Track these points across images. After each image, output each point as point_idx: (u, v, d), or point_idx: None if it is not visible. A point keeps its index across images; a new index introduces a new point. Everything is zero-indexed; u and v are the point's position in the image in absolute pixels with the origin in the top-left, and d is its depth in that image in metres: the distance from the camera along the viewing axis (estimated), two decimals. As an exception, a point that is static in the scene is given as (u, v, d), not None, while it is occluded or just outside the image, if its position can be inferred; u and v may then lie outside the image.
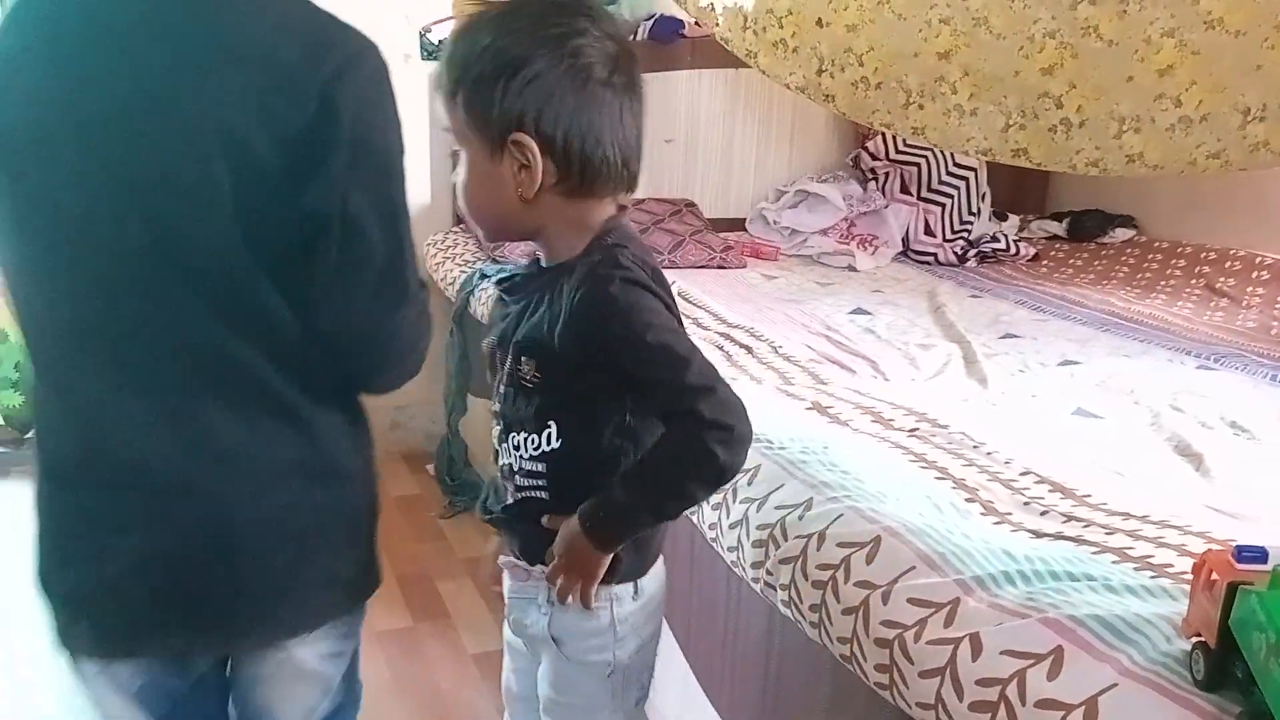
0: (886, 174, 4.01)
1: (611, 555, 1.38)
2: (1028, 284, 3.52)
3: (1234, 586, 1.10)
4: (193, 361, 1.26)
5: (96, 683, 1.42)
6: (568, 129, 1.30)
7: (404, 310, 1.34)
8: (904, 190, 3.97)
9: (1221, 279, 3.42)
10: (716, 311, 2.91)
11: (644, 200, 3.66)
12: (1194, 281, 3.48)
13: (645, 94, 1.38)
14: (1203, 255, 3.60)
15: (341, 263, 1.25)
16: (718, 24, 3.34)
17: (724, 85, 3.92)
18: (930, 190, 3.97)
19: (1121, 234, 4.00)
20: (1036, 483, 1.81)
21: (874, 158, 4.06)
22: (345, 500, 1.41)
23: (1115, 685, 1.18)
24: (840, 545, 1.55)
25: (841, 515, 1.60)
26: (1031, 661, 1.25)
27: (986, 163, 3.78)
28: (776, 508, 1.70)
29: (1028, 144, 2.99)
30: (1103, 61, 2.80)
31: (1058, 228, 4.16)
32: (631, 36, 3.72)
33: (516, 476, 1.44)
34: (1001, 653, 1.28)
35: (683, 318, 1.42)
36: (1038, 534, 1.62)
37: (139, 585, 1.31)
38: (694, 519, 1.90)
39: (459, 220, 3.83)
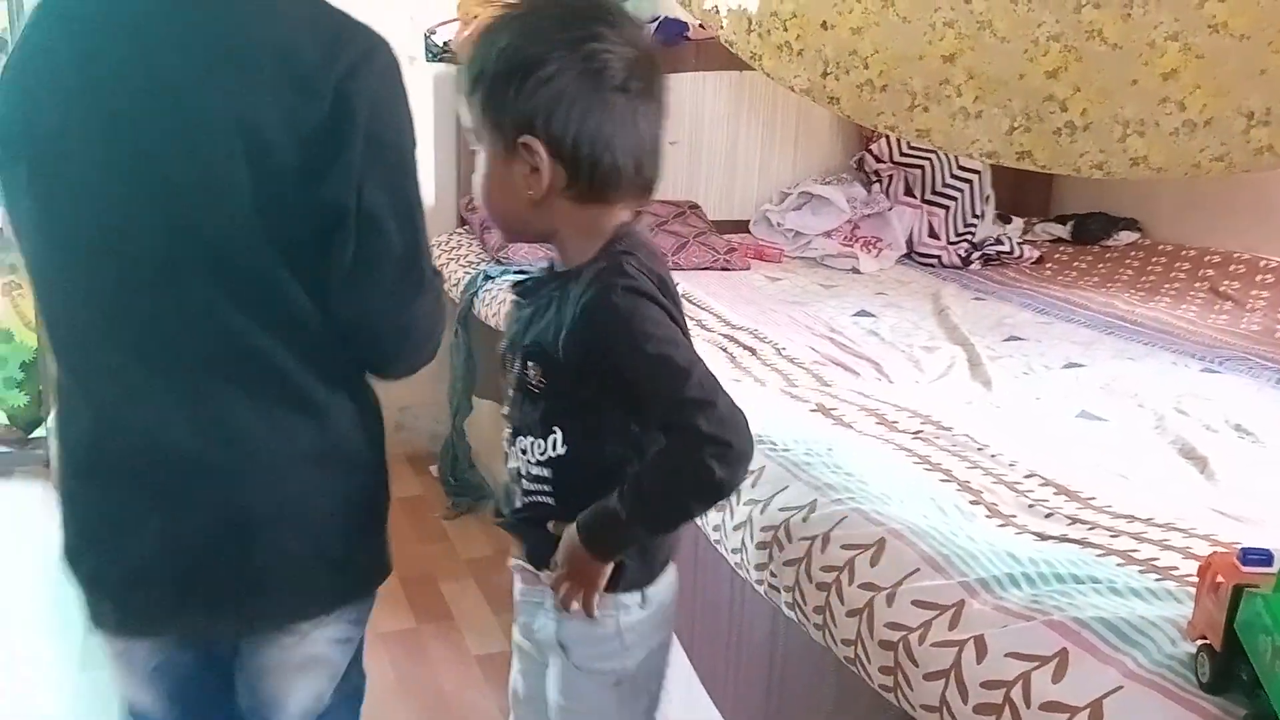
0: (890, 176, 4.01)
1: (612, 564, 1.37)
2: (1032, 287, 3.51)
3: (1239, 589, 1.10)
4: (211, 351, 1.30)
5: (118, 662, 1.50)
6: (577, 133, 1.29)
7: (421, 299, 1.38)
8: (908, 193, 3.97)
9: (1226, 282, 3.41)
10: (720, 313, 2.92)
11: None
12: (1198, 284, 3.48)
13: (666, 101, 1.37)
14: (1207, 258, 3.60)
15: (360, 254, 1.29)
16: (722, 26, 3.35)
17: (728, 88, 3.92)
18: (934, 193, 3.96)
19: (1126, 237, 4.00)
20: (1041, 485, 1.81)
21: (878, 160, 4.06)
22: (358, 489, 1.45)
23: (1120, 688, 1.18)
24: (844, 547, 1.55)
25: (846, 517, 1.60)
26: (1036, 664, 1.25)
27: (991, 165, 3.78)
28: (781, 510, 1.70)
29: (1032, 147, 2.99)
30: (1107, 65, 2.80)
31: (1062, 230, 4.16)
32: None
33: (524, 481, 1.44)
34: (1006, 655, 1.28)
35: (687, 322, 1.41)
36: (1042, 536, 1.62)
37: (159, 569, 1.35)
38: (698, 521, 1.90)
39: (463, 221, 3.84)
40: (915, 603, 1.42)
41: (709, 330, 2.75)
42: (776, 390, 2.30)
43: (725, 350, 2.59)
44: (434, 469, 3.77)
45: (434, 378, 3.66)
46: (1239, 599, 1.10)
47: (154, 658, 1.49)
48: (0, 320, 3.85)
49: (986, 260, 3.85)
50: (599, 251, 1.35)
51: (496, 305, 3.15)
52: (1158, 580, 1.44)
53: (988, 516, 1.69)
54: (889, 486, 1.71)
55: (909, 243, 3.89)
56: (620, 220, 1.38)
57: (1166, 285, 3.52)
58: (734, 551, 1.79)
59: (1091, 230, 4.07)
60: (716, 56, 3.71)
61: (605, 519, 1.33)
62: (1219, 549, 1.40)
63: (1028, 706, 1.22)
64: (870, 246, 3.81)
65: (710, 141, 3.98)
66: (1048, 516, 1.69)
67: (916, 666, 1.37)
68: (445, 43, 3.79)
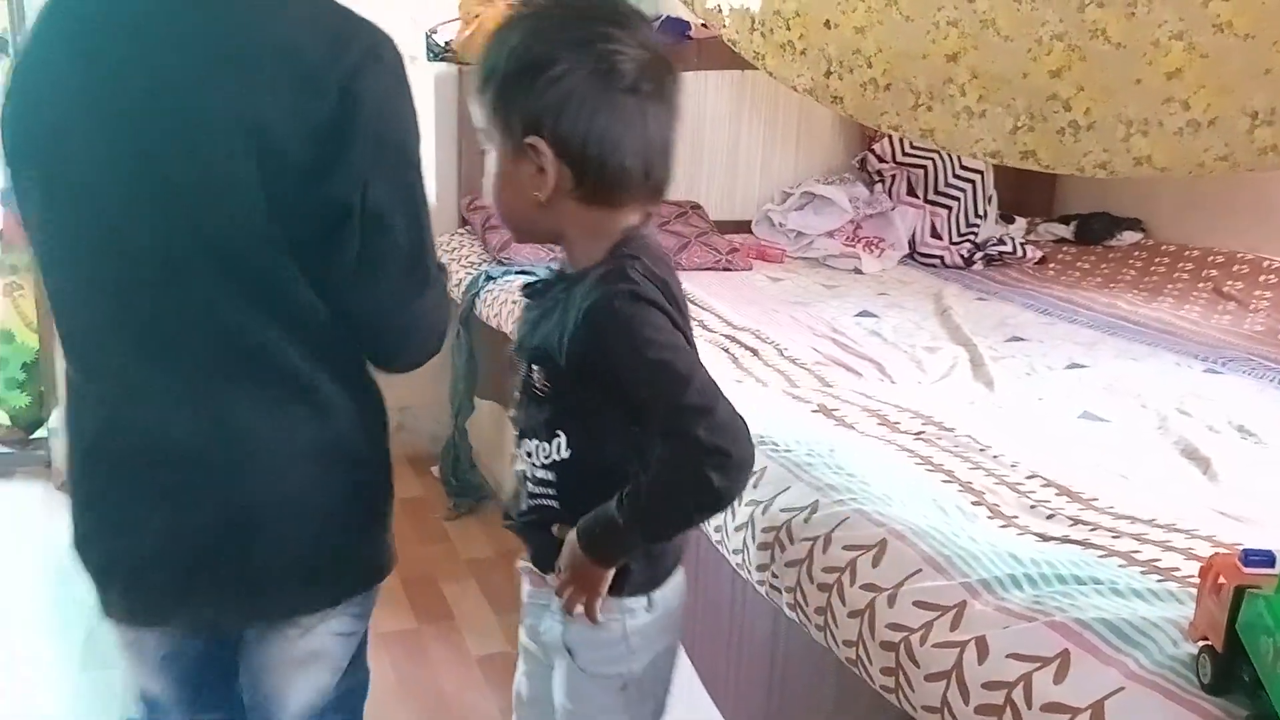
0: (893, 176, 4.00)
1: (613, 569, 1.36)
2: (1034, 287, 3.51)
3: (1241, 590, 1.10)
4: (214, 349, 1.32)
5: (128, 651, 1.54)
6: (585, 135, 1.28)
7: (427, 293, 1.40)
8: (910, 193, 3.96)
9: (1229, 282, 3.41)
10: (722, 314, 2.91)
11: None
12: (1201, 285, 3.48)
13: (678, 103, 1.36)
14: (1210, 259, 3.59)
15: (365, 251, 1.30)
16: (725, 26, 3.34)
17: (730, 87, 3.92)
18: (937, 193, 3.96)
19: (1129, 237, 3.99)
20: (1043, 486, 1.81)
21: (880, 160, 4.06)
22: (360, 484, 1.46)
23: (1122, 689, 1.17)
24: (846, 548, 1.55)
25: (847, 518, 1.60)
26: (1038, 665, 1.24)
27: (993, 165, 3.77)
28: (782, 510, 1.69)
29: (1036, 146, 2.99)
30: (1111, 64, 2.79)
31: (1065, 230, 4.15)
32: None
33: (529, 484, 1.43)
34: (1008, 656, 1.27)
35: (692, 328, 1.39)
36: (1044, 537, 1.61)
37: (164, 561, 1.38)
38: (699, 521, 1.90)
39: (464, 222, 3.83)
40: (917, 603, 1.41)
41: (711, 331, 2.75)
42: (778, 391, 2.29)
43: (727, 351, 2.58)
44: (435, 470, 3.77)
45: (435, 378, 3.66)
46: (1241, 600, 1.10)
47: (163, 647, 1.52)
48: (1, 321, 3.85)
49: (989, 260, 3.84)
50: (605, 254, 1.33)
51: (498, 306, 3.15)
52: (1159, 581, 1.44)
53: (989, 517, 1.69)
54: (891, 487, 1.71)
55: (911, 243, 3.89)
56: (629, 223, 1.36)
57: (1169, 286, 3.51)
58: (735, 552, 1.79)
59: (1094, 230, 4.06)
60: (718, 55, 3.70)
61: (604, 525, 1.32)
62: (1221, 550, 1.40)
63: (1029, 707, 1.22)
64: (873, 247, 3.80)
65: (712, 141, 3.97)
66: (1049, 517, 1.69)
67: (918, 667, 1.37)
68: (446, 42, 3.79)
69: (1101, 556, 1.53)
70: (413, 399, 3.73)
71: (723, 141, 3.98)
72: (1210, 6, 2.64)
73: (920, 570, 1.45)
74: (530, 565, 1.49)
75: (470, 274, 3.41)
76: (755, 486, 1.77)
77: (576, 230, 1.37)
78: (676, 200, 3.77)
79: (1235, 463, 1.95)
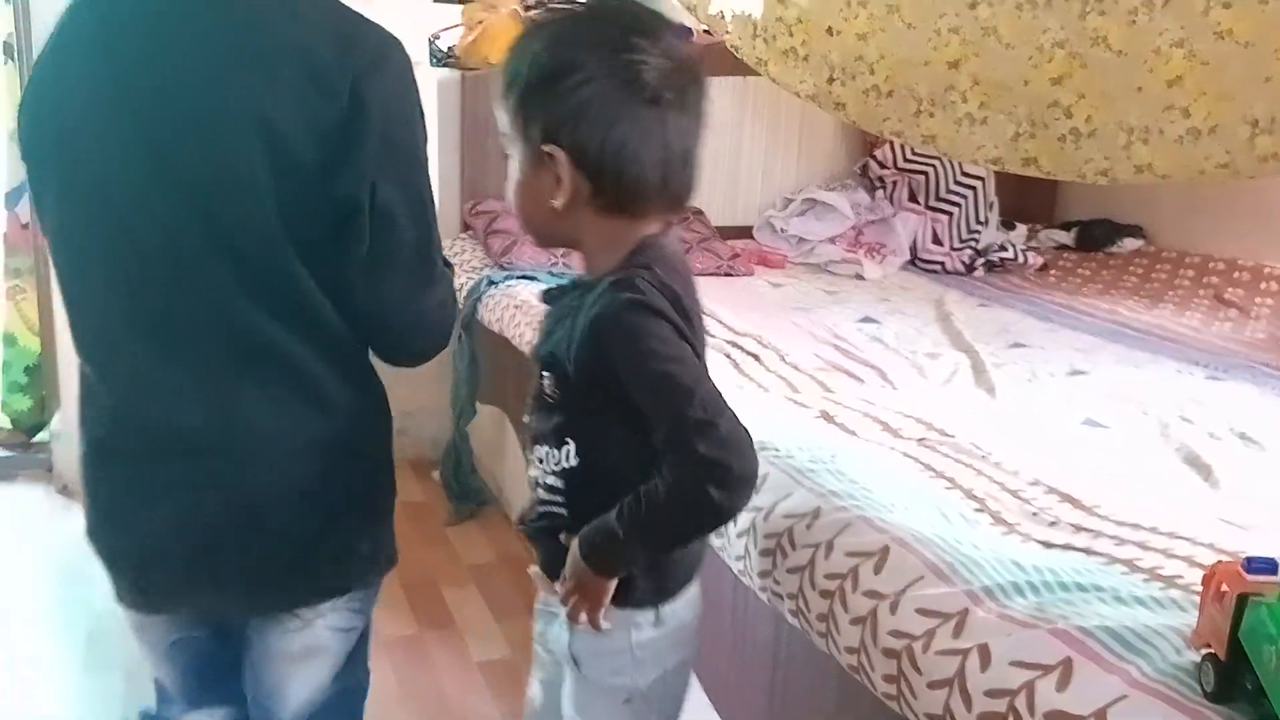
0: (894, 182, 4.00)
1: (615, 580, 1.35)
2: (1036, 293, 3.51)
3: (1244, 598, 1.10)
4: (226, 343, 1.35)
5: (139, 637, 1.59)
6: (602, 144, 1.28)
7: (432, 290, 1.44)
8: (912, 199, 3.97)
9: (1230, 289, 3.41)
10: (724, 319, 2.91)
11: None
12: (1202, 292, 3.48)
13: (702, 113, 1.36)
14: (1211, 265, 3.60)
15: (374, 248, 1.34)
16: (728, 32, 3.34)
17: (732, 93, 3.92)
18: (938, 199, 3.96)
19: (1130, 244, 4.00)
20: (1045, 493, 1.81)
21: (882, 166, 4.06)
22: (364, 481, 1.50)
23: (1125, 697, 1.17)
24: (848, 555, 1.55)
25: (850, 524, 1.60)
26: (1040, 673, 1.24)
27: (995, 172, 3.78)
28: (784, 516, 1.69)
29: (1038, 153, 2.98)
30: (1112, 71, 2.79)
31: (1066, 237, 4.15)
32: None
33: (539, 490, 1.43)
34: (1010, 663, 1.27)
35: (705, 340, 1.39)
36: (1047, 544, 1.61)
37: (171, 549, 1.42)
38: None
39: (466, 226, 3.84)
40: (919, 610, 1.41)
41: (712, 336, 2.74)
42: (780, 397, 2.30)
43: (729, 357, 2.59)
44: (436, 474, 3.77)
45: (436, 383, 3.66)
46: (1243, 608, 1.10)
47: (170, 635, 1.56)
48: (4, 324, 3.85)
49: (990, 267, 3.85)
50: (620, 263, 1.33)
51: (500, 311, 3.16)
52: (1162, 589, 1.44)
53: (992, 524, 1.69)
54: (893, 494, 1.71)
55: (913, 249, 3.89)
56: (647, 232, 1.36)
57: (1170, 292, 3.52)
58: (737, 559, 1.79)
59: (1095, 237, 4.07)
60: (720, 62, 3.70)
61: (605, 535, 1.31)
62: (1223, 557, 1.40)
63: (1032, 715, 1.22)
64: (874, 253, 3.81)
65: (714, 147, 3.92)
66: (1052, 524, 1.69)
67: (920, 675, 1.37)
68: (449, 48, 3.79)
69: (1104, 564, 1.53)
70: (414, 403, 3.73)
71: (725, 147, 3.99)
72: (1211, 14, 2.63)
73: (923, 577, 1.45)
74: (540, 572, 1.48)
75: (472, 279, 3.42)
76: (757, 493, 1.77)
77: (593, 239, 1.37)
78: (678, 206, 3.77)
79: (1237, 470, 1.95)
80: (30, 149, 1.39)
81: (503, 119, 1.36)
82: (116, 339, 1.39)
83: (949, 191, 3.97)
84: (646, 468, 1.29)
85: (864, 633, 1.47)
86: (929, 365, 2.59)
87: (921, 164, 4.00)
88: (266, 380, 1.37)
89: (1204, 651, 1.17)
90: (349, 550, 1.49)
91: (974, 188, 3.99)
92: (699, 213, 3.78)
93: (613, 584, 1.35)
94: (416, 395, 3.45)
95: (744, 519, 1.77)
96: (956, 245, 3.90)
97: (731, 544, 1.80)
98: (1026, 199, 4.27)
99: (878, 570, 1.50)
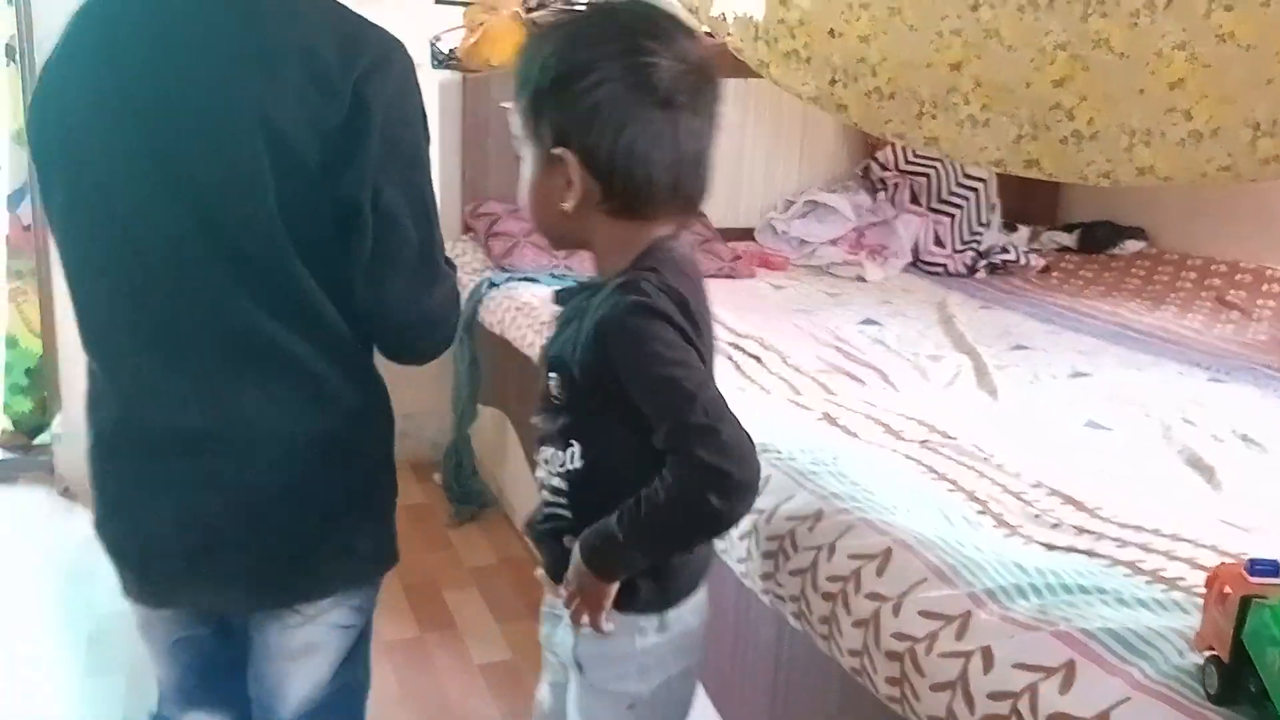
0: (896, 184, 4.01)
1: (616, 584, 1.34)
2: (1038, 295, 3.51)
3: (1247, 600, 1.10)
4: (228, 343, 1.36)
5: (142, 634, 1.60)
6: (612, 148, 1.27)
7: (434, 290, 1.45)
8: (913, 201, 3.97)
9: (1232, 291, 3.41)
10: (725, 322, 2.90)
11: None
12: (1204, 294, 3.48)
13: (715, 116, 1.35)
14: (1213, 267, 3.60)
15: (377, 249, 1.35)
16: (729, 34, 3.35)
17: (733, 95, 3.87)
18: (940, 201, 3.97)
19: (1132, 246, 4.00)
20: (1047, 495, 1.81)
21: (883, 168, 4.06)
22: (364, 479, 1.51)
23: (1128, 699, 1.17)
24: (851, 557, 1.55)
25: (852, 527, 1.60)
26: (1043, 675, 1.24)
27: (996, 174, 3.78)
28: (787, 519, 1.69)
29: (1039, 155, 2.98)
30: (1114, 74, 2.79)
31: (1068, 239, 4.16)
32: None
33: (545, 492, 1.42)
34: (1013, 666, 1.27)
35: (713, 345, 1.38)
36: (1049, 547, 1.61)
37: (172, 543, 1.43)
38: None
39: (467, 228, 3.84)
40: (922, 613, 1.41)
41: (714, 338, 2.74)
42: (782, 399, 2.29)
43: (730, 359, 2.58)
44: (437, 476, 3.76)
45: (437, 385, 3.66)
46: (1246, 610, 1.10)
47: (174, 633, 1.58)
48: (6, 326, 3.86)
49: (992, 269, 3.85)
50: (628, 266, 1.32)
51: (501, 313, 3.16)
52: (1165, 591, 1.44)
53: (994, 526, 1.69)
54: (895, 496, 1.71)
55: (914, 251, 3.89)
56: (656, 235, 1.35)
57: (1173, 294, 3.52)
58: (739, 561, 1.79)
59: (1098, 239, 4.07)
60: (722, 64, 3.70)
61: (604, 539, 1.31)
62: (1226, 559, 1.40)
63: (1034, 717, 1.22)
64: (876, 255, 3.81)
65: (716, 149, 3.97)
66: (1054, 526, 1.69)
67: (923, 677, 1.36)
68: (451, 50, 3.79)
69: (1106, 566, 1.53)
70: (415, 406, 3.72)
71: (726, 149, 3.95)
72: (1213, 17, 2.64)
73: (925, 580, 1.45)
74: (545, 575, 1.48)
75: (473, 281, 3.42)
76: (759, 495, 1.77)
77: (604, 241, 1.36)
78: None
79: (1239, 472, 1.95)
80: (38, 152, 1.41)
81: (515, 121, 1.36)
82: (120, 343, 1.40)
83: (951, 193, 3.98)
84: (650, 471, 1.27)
85: (866, 635, 1.47)
86: (931, 367, 2.59)
87: (923, 166, 4.00)
88: (267, 379, 1.38)
89: (1207, 654, 1.17)
90: (349, 548, 1.50)
91: (976, 190, 3.99)
92: (700, 215, 3.78)
93: (613, 588, 1.34)
94: (417, 397, 3.45)
95: (746, 521, 1.76)
96: (958, 247, 3.90)
97: (734, 546, 1.80)
98: (1028, 201, 4.27)
99: (880, 572, 1.50)
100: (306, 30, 1.32)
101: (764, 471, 1.75)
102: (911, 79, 3.11)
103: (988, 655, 1.30)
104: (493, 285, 3.32)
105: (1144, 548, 1.60)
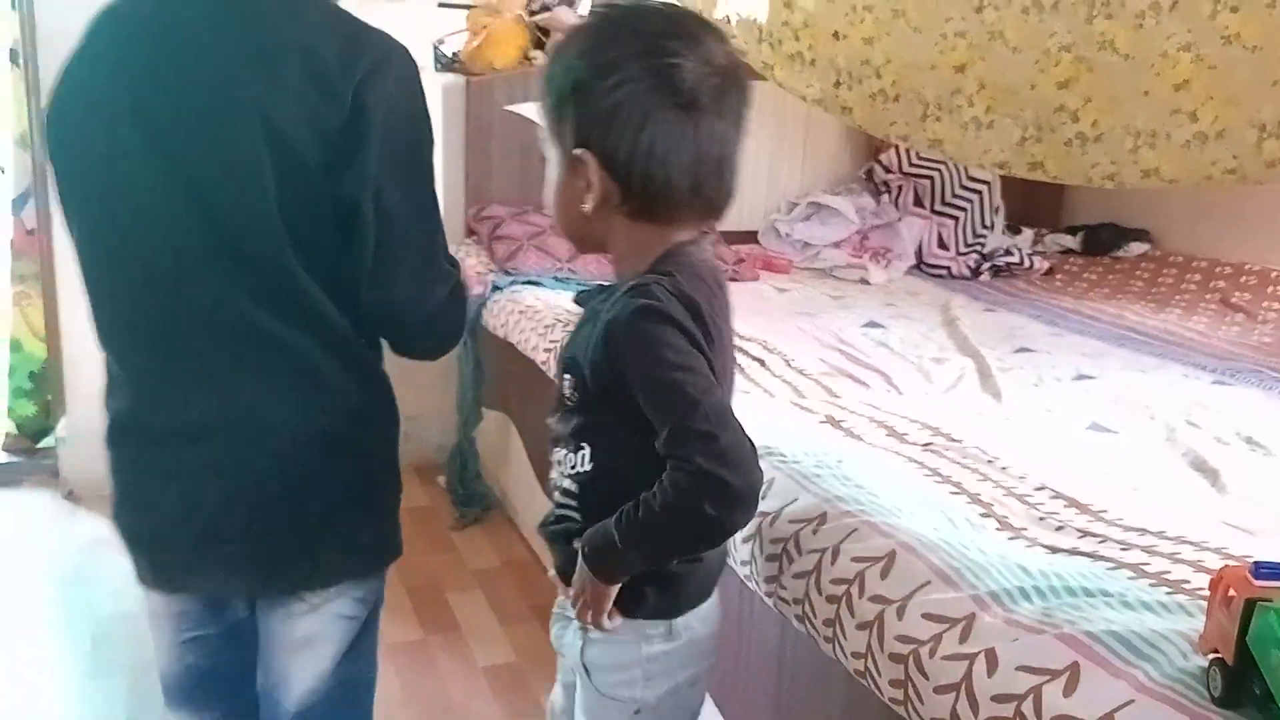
0: (899, 187, 4.01)
1: (616, 586, 1.33)
2: (1042, 298, 3.51)
3: (1251, 603, 1.10)
4: (228, 337, 1.39)
5: (153, 625, 1.63)
6: (631, 149, 1.27)
7: (437, 289, 1.46)
8: (917, 203, 3.97)
9: (1237, 293, 3.41)
10: (729, 324, 2.91)
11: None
12: (1209, 296, 3.48)
13: (740, 120, 1.34)
14: (1218, 270, 3.59)
15: (379, 249, 1.37)
16: (733, 36, 3.35)
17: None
18: (944, 203, 3.97)
19: (1136, 248, 3.99)
20: (1052, 498, 1.80)
21: (887, 171, 4.06)
22: (364, 476, 1.53)
23: (1132, 701, 1.17)
24: (855, 560, 1.55)
25: (856, 529, 1.59)
26: (1047, 677, 1.24)
27: (1000, 176, 3.78)
28: (790, 522, 1.69)
29: (1044, 157, 2.98)
30: (1119, 75, 2.78)
31: (1072, 241, 4.15)
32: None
33: (556, 493, 1.42)
34: (1017, 668, 1.27)
35: (725, 352, 1.37)
36: (1053, 549, 1.61)
37: (179, 530, 1.46)
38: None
39: (471, 232, 3.84)
40: (926, 615, 1.41)
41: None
42: (786, 402, 2.29)
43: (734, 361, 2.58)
44: (441, 479, 3.77)
45: (441, 388, 3.66)
46: (1251, 613, 1.09)
47: (182, 632, 1.60)
48: (10, 330, 3.86)
49: (996, 271, 3.85)
50: (646, 269, 1.31)
51: (504, 316, 3.16)
52: (1169, 594, 1.43)
53: (998, 529, 1.68)
54: (899, 499, 1.71)
55: (918, 253, 3.89)
56: (675, 239, 1.34)
57: (1177, 297, 3.51)
58: (743, 564, 1.78)
59: (1102, 241, 4.07)
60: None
61: (604, 541, 1.30)
62: (1231, 562, 1.39)
63: (1039, 720, 1.22)
64: (879, 257, 3.81)
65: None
66: (1058, 529, 1.69)
67: (927, 680, 1.36)
68: (454, 53, 3.79)
69: (1111, 569, 1.53)
70: (419, 408, 3.73)
71: (729, 152, 3.97)
72: (1218, 18, 2.63)
73: (929, 582, 1.45)
74: (556, 575, 1.47)
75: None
76: (763, 498, 1.76)
77: (623, 244, 1.36)
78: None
79: (1244, 474, 1.94)
80: (54, 154, 1.43)
81: (541, 121, 1.36)
82: (129, 338, 1.44)
83: (954, 196, 3.97)
84: (656, 475, 1.25)
85: (870, 638, 1.46)
86: (935, 370, 2.59)
87: (927, 168, 4.00)
88: (267, 376, 1.41)
89: (1211, 656, 1.17)
90: (350, 540, 1.53)
91: (980, 192, 3.99)
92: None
93: (614, 589, 1.33)
94: (421, 400, 3.45)
95: (749, 524, 1.76)
96: (962, 250, 3.90)
97: (737, 549, 1.79)
98: (1032, 203, 4.27)
99: (884, 575, 1.50)
100: (307, 31, 1.34)
101: (768, 474, 1.76)
102: (916, 81, 3.10)
103: (992, 658, 1.30)
104: (496, 288, 3.32)
105: (1148, 550, 1.59)
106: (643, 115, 1.26)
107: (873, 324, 3.05)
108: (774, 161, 4.06)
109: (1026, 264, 3.87)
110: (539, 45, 3.76)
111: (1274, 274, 3.44)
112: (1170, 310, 3.36)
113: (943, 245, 3.90)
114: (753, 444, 1.24)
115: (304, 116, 1.30)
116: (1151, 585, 1.47)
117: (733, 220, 3.96)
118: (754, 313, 3.11)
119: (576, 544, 1.36)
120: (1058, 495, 1.81)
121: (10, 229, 3.77)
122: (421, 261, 1.43)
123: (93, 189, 1.38)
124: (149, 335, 1.41)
